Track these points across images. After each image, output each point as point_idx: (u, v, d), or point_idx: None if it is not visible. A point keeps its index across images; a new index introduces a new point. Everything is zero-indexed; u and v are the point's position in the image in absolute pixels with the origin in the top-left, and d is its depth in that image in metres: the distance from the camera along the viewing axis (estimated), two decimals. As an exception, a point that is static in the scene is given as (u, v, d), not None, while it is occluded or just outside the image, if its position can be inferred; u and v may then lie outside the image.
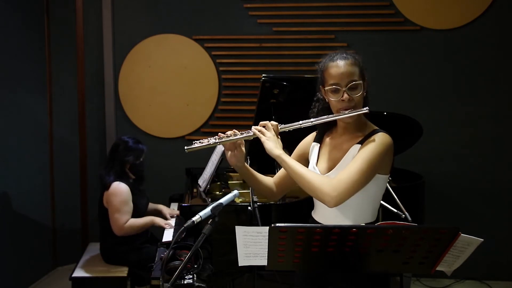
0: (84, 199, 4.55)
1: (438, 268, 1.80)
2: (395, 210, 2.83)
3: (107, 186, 3.36)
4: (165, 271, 2.37)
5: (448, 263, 1.91)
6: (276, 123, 1.97)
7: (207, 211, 1.80)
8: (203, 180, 3.39)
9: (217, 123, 4.59)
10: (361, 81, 1.93)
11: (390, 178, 3.08)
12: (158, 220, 3.44)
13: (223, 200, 1.87)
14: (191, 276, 2.37)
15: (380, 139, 1.91)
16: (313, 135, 2.15)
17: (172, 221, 3.49)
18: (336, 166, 1.96)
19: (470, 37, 4.25)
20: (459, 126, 4.34)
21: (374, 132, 1.95)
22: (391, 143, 1.94)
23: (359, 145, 1.93)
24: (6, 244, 3.81)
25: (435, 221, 4.19)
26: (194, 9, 4.50)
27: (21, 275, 4.01)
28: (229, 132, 1.99)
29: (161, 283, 2.42)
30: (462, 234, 1.73)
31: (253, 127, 1.97)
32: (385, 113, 3.60)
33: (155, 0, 4.53)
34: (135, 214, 3.43)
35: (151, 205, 3.72)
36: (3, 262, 3.75)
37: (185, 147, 2.04)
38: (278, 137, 1.95)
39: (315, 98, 2.07)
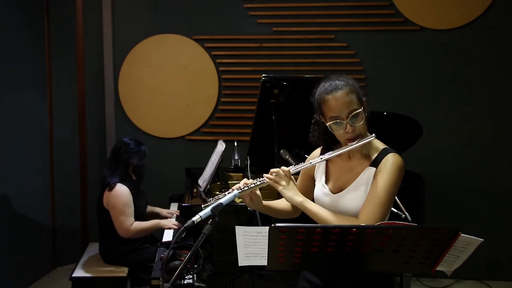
0: (84, 199, 4.55)
1: (438, 268, 1.80)
2: (395, 210, 2.82)
3: (111, 187, 3.35)
4: (165, 271, 2.37)
5: (448, 263, 1.91)
6: (288, 168, 1.95)
7: (207, 211, 1.79)
8: (203, 180, 3.39)
9: (217, 123, 4.59)
10: (361, 109, 1.90)
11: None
12: (164, 222, 3.43)
13: (223, 200, 1.86)
14: (191, 276, 2.37)
15: (394, 163, 1.89)
16: (318, 151, 2.12)
17: (173, 219, 3.49)
18: (348, 188, 1.94)
19: (470, 37, 4.25)
20: (459, 126, 4.34)
21: (384, 152, 1.92)
22: (403, 163, 1.91)
23: (373, 168, 1.91)
24: (6, 244, 3.81)
25: (435, 221, 4.19)
26: (194, 9, 4.50)
27: (21, 275, 4.01)
28: (241, 184, 1.96)
29: (161, 283, 2.42)
30: (462, 234, 1.73)
31: (265, 176, 1.95)
32: (385, 113, 3.60)
33: (155, 0, 4.54)
34: (135, 216, 3.43)
35: (149, 208, 3.72)
36: (3, 262, 3.75)
37: (202, 205, 1.98)
38: (292, 181, 1.94)
39: (313, 121, 2.03)
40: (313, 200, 1.99)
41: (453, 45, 4.28)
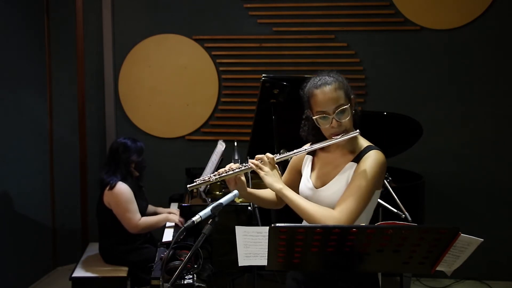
0: (84, 199, 4.55)
1: (438, 268, 1.80)
2: (395, 210, 2.82)
3: (112, 186, 3.36)
4: (165, 271, 2.37)
5: (448, 263, 1.91)
6: (272, 156, 1.99)
7: (207, 211, 1.79)
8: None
9: (217, 123, 4.59)
10: (348, 105, 1.93)
11: (390, 178, 3.09)
12: (172, 217, 3.46)
13: (223, 200, 1.87)
14: (191, 276, 2.38)
15: (375, 159, 1.92)
16: (307, 146, 2.14)
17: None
18: (330, 182, 1.98)
19: (470, 37, 4.25)
20: (459, 126, 4.34)
21: (367, 149, 1.96)
22: (385, 160, 1.95)
23: (354, 163, 1.94)
24: (7, 244, 3.81)
25: (435, 221, 4.19)
26: (194, 9, 4.50)
27: (21, 275, 4.01)
28: (226, 168, 2.02)
29: (161, 283, 2.42)
30: (462, 234, 1.73)
31: (250, 161, 2.00)
32: (385, 113, 3.60)
33: (155, 0, 4.54)
34: None
35: (150, 208, 3.73)
36: (3, 262, 3.75)
37: (187, 185, 2.09)
38: (276, 169, 1.99)
39: (304, 116, 2.07)
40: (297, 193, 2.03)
41: (453, 45, 4.28)
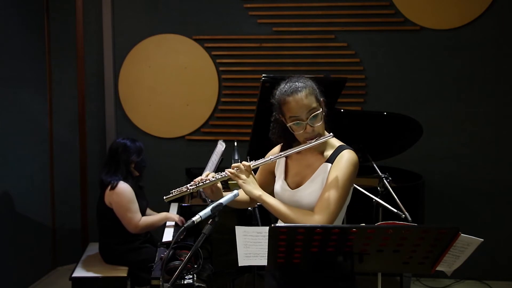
0: (84, 199, 4.55)
1: (438, 268, 1.80)
2: (395, 210, 2.83)
3: (113, 185, 3.37)
4: (165, 271, 2.37)
5: (448, 263, 1.91)
6: (249, 163, 2.02)
7: (207, 211, 1.80)
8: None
9: (217, 123, 4.59)
10: (320, 109, 1.98)
11: (390, 178, 3.09)
12: (172, 216, 3.46)
13: (223, 200, 1.87)
14: (191, 276, 2.38)
15: (349, 159, 1.97)
16: (278, 147, 2.18)
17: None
18: (306, 183, 2.02)
19: (470, 37, 4.25)
20: (459, 126, 4.33)
21: (340, 149, 2.01)
22: (357, 159, 2.00)
23: (329, 164, 1.98)
24: (6, 244, 3.81)
25: (435, 221, 4.19)
26: (194, 9, 4.50)
27: (21, 275, 4.00)
28: (203, 176, 2.05)
29: (161, 283, 2.42)
30: (462, 234, 1.73)
31: (226, 170, 2.03)
32: (385, 113, 3.60)
33: (155, 0, 4.54)
34: None
35: (149, 212, 3.72)
36: (3, 262, 3.75)
37: (164, 197, 2.10)
38: (252, 175, 2.03)
39: (272, 119, 2.11)
40: (272, 195, 2.06)
41: (453, 45, 4.28)
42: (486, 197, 4.33)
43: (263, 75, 3.15)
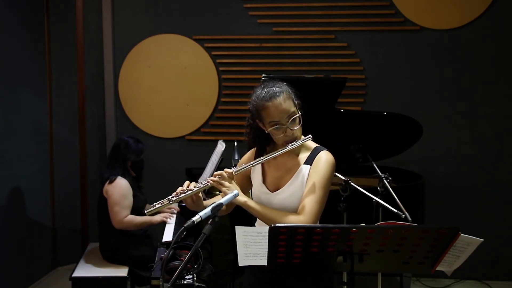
0: (84, 199, 4.55)
1: (438, 268, 1.80)
2: (395, 210, 2.82)
3: (112, 180, 3.42)
4: (165, 271, 2.37)
5: (448, 263, 1.91)
6: (231, 170, 2.04)
7: (207, 211, 1.80)
8: (203, 180, 3.38)
9: (217, 123, 4.59)
10: (298, 112, 2.01)
11: (390, 178, 3.09)
12: (156, 218, 3.50)
13: (223, 200, 1.87)
14: (191, 276, 2.38)
15: (327, 159, 2.02)
16: (252, 151, 2.22)
17: (173, 219, 3.51)
18: (285, 185, 2.05)
19: (470, 37, 4.25)
20: (459, 126, 4.33)
21: (316, 151, 2.05)
22: (334, 160, 2.05)
23: (308, 166, 2.02)
24: (6, 244, 3.81)
25: (435, 221, 4.19)
26: (194, 9, 4.50)
27: (21, 275, 4.01)
28: (184, 187, 2.04)
29: (161, 283, 2.42)
30: (462, 234, 1.73)
31: (209, 178, 2.04)
32: (385, 113, 3.60)
33: (155, 0, 4.54)
34: (133, 211, 3.47)
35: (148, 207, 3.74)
36: (3, 262, 3.75)
37: (145, 211, 2.10)
38: (234, 182, 2.03)
39: (246, 124, 2.16)
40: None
41: (453, 45, 4.28)
42: (486, 197, 4.33)
43: (263, 75, 3.15)
